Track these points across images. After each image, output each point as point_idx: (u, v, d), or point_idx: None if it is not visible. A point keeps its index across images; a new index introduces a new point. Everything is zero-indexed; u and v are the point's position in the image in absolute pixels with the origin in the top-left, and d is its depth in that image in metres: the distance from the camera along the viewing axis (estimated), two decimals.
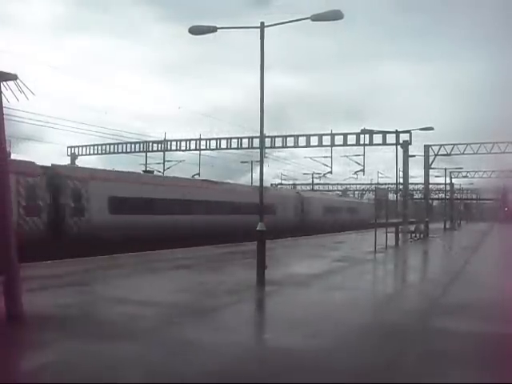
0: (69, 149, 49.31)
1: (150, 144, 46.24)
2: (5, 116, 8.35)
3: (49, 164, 23.69)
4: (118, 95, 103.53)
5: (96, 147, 48.55)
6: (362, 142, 39.56)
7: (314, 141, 40.73)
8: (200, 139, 44.32)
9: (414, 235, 33.19)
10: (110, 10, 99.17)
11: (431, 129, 29.90)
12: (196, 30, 12.88)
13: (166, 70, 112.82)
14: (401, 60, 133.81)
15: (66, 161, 49.99)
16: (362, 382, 5.49)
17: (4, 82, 8.06)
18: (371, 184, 74.23)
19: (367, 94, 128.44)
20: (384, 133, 36.64)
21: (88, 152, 49.37)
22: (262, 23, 12.33)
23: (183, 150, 45.99)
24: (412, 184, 61.21)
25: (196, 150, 44.86)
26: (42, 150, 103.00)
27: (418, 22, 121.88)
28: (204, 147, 44.56)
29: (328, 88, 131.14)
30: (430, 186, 54.85)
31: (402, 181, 38.49)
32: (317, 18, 12.25)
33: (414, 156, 39.59)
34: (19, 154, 26.40)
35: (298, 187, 71.77)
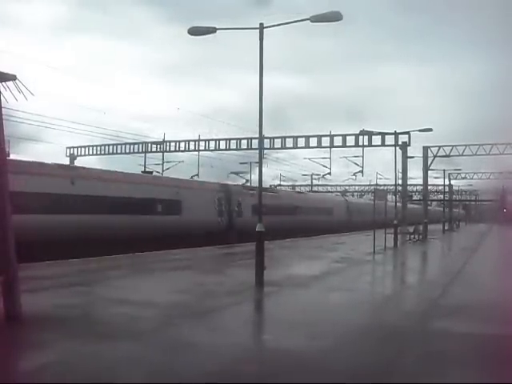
0: (68, 149, 49.31)
1: (149, 145, 46.24)
2: (4, 116, 8.35)
3: None
4: (118, 96, 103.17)
5: (95, 148, 48.54)
6: (360, 144, 39.58)
7: (313, 142, 40.73)
8: (199, 140, 44.33)
9: (412, 236, 33.23)
10: (110, 10, 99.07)
11: (430, 130, 29.94)
12: (195, 31, 12.88)
13: (165, 70, 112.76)
14: (401, 61, 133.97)
15: (66, 161, 50.07)
16: (362, 383, 5.49)
17: (3, 83, 8.06)
18: (370, 185, 74.29)
19: (367, 95, 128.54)
20: (383, 134, 36.66)
21: (87, 153, 49.37)
22: (261, 24, 12.33)
23: (182, 151, 45.98)
24: (411, 185, 61.25)
25: (195, 150, 44.87)
26: (42, 150, 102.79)
27: (419, 24, 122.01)
28: (203, 148, 44.59)
29: (328, 89, 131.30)
30: (429, 187, 54.90)
31: (401, 182, 38.53)
32: (316, 19, 12.26)
33: (412, 157, 39.66)
34: (18, 154, 26.27)
35: (297, 188, 71.73)
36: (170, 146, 45.87)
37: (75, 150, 49.39)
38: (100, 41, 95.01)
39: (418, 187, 69.82)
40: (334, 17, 12.16)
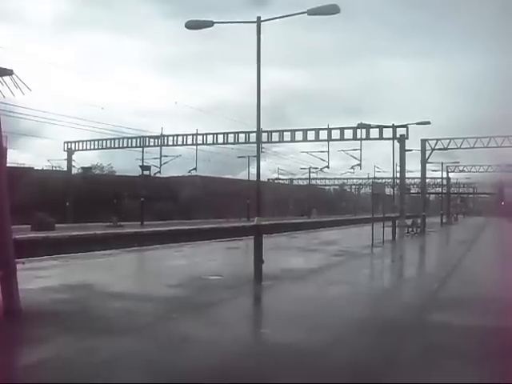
0: (65, 144, 49.23)
1: (147, 139, 46.21)
2: (4, 112, 8.33)
3: None
4: (118, 91, 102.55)
5: (93, 142, 48.49)
6: (358, 137, 39.62)
7: (311, 135, 40.81)
8: (197, 134, 44.34)
9: (410, 229, 33.29)
10: (110, 5, 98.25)
11: (428, 123, 29.91)
12: (192, 25, 12.81)
13: (165, 65, 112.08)
14: (399, 55, 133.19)
15: (63, 156, 50.00)
16: (362, 383, 5.49)
17: (0, 78, 8.04)
18: (368, 178, 74.40)
19: (365, 89, 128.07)
20: (381, 127, 36.66)
21: (85, 147, 49.30)
22: (259, 18, 12.27)
23: (180, 145, 45.99)
24: (409, 178, 61.26)
25: (193, 144, 44.87)
26: (40, 145, 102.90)
27: (417, 18, 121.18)
28: (201, 142, 44.59)
29: (326, 83, 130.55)
30: (427, 180, 54.95)
31: (399, 175, 38.57)
32: (313, 12, 12.20)
33: (410, 150, 39.69)
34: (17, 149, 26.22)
35: (295, 182, 71.78)
36: (167, 140, 45.85)
37: (73, 144, 49.31)
38: (100, 35, 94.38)
39: (416, 180, 69.91)
40: (331, 10, 12.09)
